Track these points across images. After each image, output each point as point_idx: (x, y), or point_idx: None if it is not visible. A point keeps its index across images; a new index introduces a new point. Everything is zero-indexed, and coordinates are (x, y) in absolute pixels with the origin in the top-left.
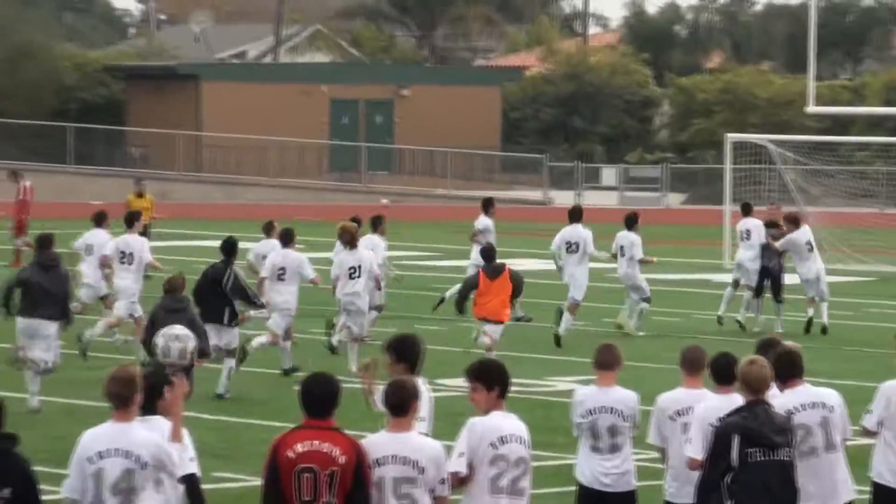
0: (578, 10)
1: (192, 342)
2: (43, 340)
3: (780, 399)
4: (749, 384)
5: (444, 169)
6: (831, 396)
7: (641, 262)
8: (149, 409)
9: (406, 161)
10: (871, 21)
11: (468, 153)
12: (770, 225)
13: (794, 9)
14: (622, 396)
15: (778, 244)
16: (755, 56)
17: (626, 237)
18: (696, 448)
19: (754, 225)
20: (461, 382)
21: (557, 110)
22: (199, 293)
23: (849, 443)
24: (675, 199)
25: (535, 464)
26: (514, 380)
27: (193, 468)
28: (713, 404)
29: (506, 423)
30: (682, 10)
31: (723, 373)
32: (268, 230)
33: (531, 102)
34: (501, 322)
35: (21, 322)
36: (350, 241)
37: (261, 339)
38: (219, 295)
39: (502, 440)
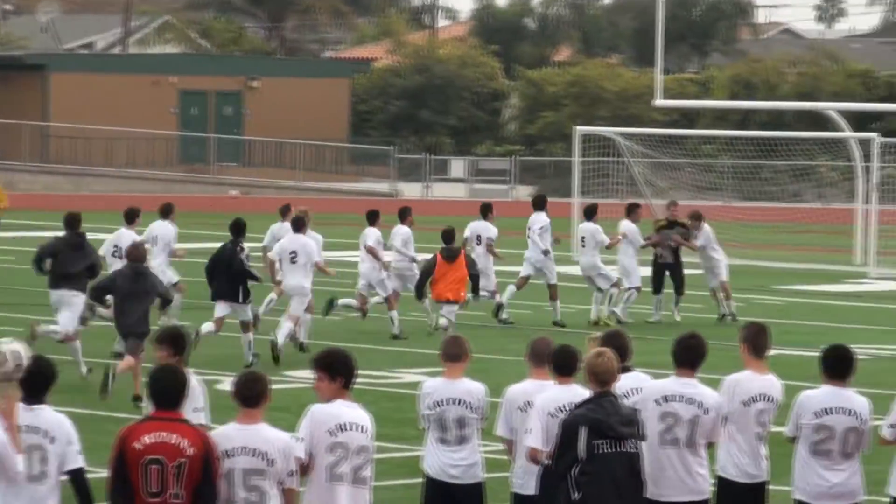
0: (427, 3)
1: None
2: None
3: (663, 382)
4: (596, 376)
5: (293, 160)
6: (710, 398)
7: (609, 246)
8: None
9: (255, 152)
10: (717, 15)
11: (317, 145)
12: (674, 224)
13: (641, 3)
14: (470, 388)
15: (698, 242)
16: (604, 49)
17: (585, 228)
18: (535, 438)
19: (630, 227)
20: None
21: (406, 102)
22: (212, 273)
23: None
24: (523, 192)
25: (383, 456)
26: (362, 371)
27: (80, 462)
28: (552, 394)
29: (346, 411)
30: (531, 4)
31: (562, 364)
32: (284, 213)
33: (380, 94)
34: (458, 302)
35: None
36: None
37: (289, 324)
38: (231, 274)
39: (341, 428)
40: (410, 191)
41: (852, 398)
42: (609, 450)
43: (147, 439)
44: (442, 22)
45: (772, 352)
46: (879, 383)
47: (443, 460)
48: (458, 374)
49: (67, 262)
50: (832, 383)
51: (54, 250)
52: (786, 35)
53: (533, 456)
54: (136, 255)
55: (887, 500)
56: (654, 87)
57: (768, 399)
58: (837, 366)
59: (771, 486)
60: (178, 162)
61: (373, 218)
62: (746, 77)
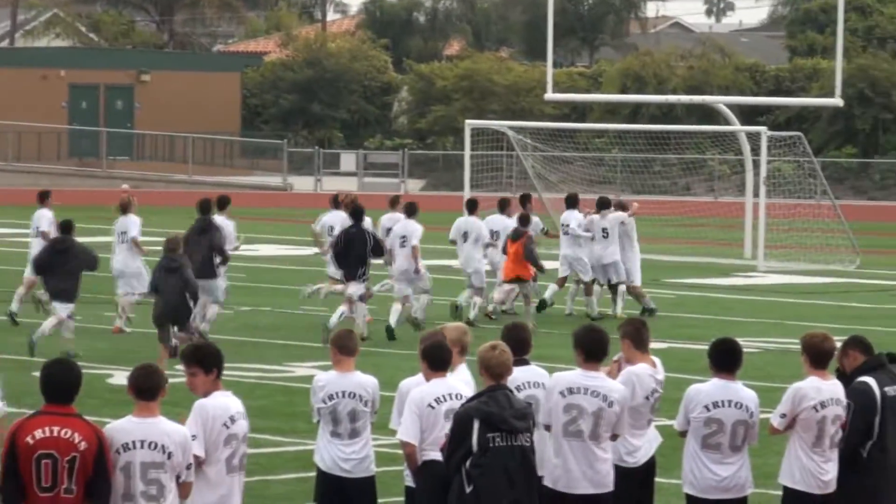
0: None
1: None
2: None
3: (568, 374)
4: (490, 369)
5: (184, 154)
6: (615, 391)
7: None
8: None
9: (147, 146)
10: (607, 9)
11: (209, 138)
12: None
13: None
14: (362, 381)
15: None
16: (494, 43)
17: (570, 216)
18: (406, 430)
19: (574, 217)
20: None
21: (297, 96)
22: (341, 255)
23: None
24: (414, 185)
25: (276, 450)
26: (255, 365)
27: None
28: (428, 389)
29: (231, 402)
30: None
31: (434, 359)
32: (393, 203)
33: (271, 88)
34: (527, 279)
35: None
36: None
37: (397, 307)
38: (357, 255)
39: (232, 419)
40: (302, 184)
41: (741, 391)
42: (502, 443)
43: (39, 434)
44: (332, 16)
45: (663, 345)
46: (767, 376)
47: (335, 454)
48: (350, 367)
49: None
50: (721, 376)
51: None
52: (675, 29)
53: (405, 451)
54: (173, 245)
55: (775, 493)
56: (546, 81)
57: (660, 385)
58: (726, 359)
59: (661, 480)
60: (69, 156)
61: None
62: (636, 71)
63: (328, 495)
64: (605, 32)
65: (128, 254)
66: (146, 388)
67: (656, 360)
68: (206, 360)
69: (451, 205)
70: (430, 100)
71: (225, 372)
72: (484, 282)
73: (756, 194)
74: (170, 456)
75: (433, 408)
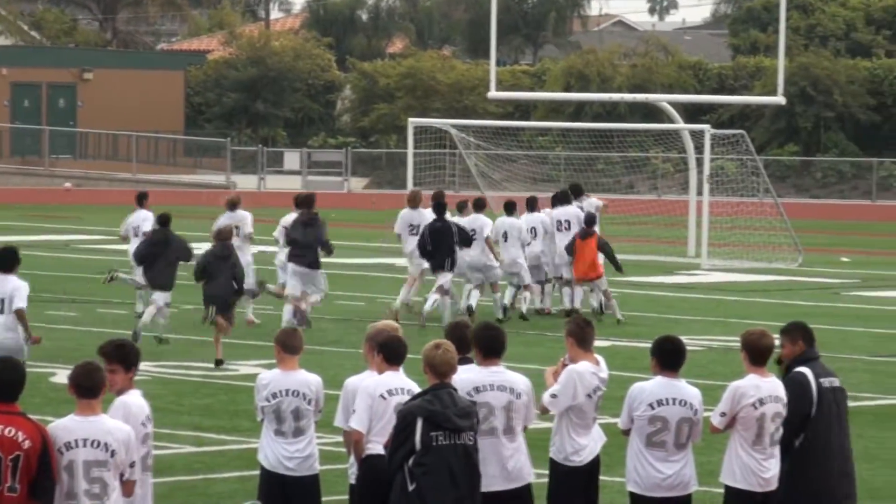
0: None
1: None
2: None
3: (471, 374)
4: (434, 368)
5: (128, 153)
6: (520, 382)
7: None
8: None
9: (90, 145)
10: (550, 7)
11: (152, 137)
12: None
13: None
14: (306, 379)
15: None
16: (437, 41)
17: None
18: (359, 419)
19: (539, 219)
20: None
21: (241, 94)
22: (428, 248)
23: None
24: (357, 184)
25: (220, 448)
26: (199, 364)
27: None
28: (382, 379)
29: (144, 401)
30: None
31: (391, 353)
32: (461, 208)
33: (214, 86)
34: (597, 279)
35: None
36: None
37: (476, 293)
38: (446, 246)
39: (148, 418)
40: (245, 183)
41: (685, 389)
42: (445, 442)
43: None
44: (275, 14)
45: (607, 343)
46: (711, 374)
47: (279, 452)
48: (294, 365)
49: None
50: (664, 374)
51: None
52: (618, 27)
53: (354, 437)
54: (225, 235)
55: (718, 490)
56: (489, 79)
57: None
58: (669, 357)
59: (605, 478)
60: (11, 154)
61: (510, 208)
62: (580, 69)
63: (271, 494)
64: (549, 30)
65: (243, 248)
66: (88, 387)
67: (599, 358)
68: (127, 359)
69: (394, 202)
70: (374, 98)
71: (170, 371)
72: (530, 278)
73: (699, 192)
74: (113, 454)
75: (384, 398)
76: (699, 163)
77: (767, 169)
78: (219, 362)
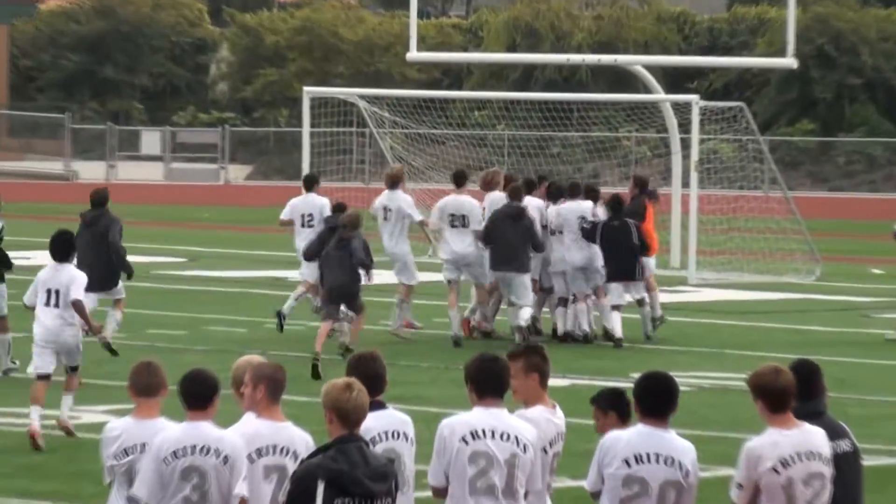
0: None
1: None
2: None
3: (470, 415)
4: (345, 415)
5: None
6: (526, 432)
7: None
8: None
9: None
10: None
11: None
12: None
13: None
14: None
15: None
16: None
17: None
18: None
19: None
20: None
21: (83, 56)
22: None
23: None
24: (238, 173)
25: None
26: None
27: None
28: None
29: None
30: None
31: (275, 389)
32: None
33: (49, 46)
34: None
35: None
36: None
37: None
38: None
39: None
40: (90, 171)
41: (673, 442)
42: None
43: None
44: None
45: (565, 382)
46: (702, 422)
47: None
48: (154, 412)
49: None
50: (647, 422)
51: None
52: None
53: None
54: (354, 222)
55: None
56: (408, 37)
57: (563, 437)
58: (655, 399)
59: None
60: None
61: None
62: (528, 22)
63: None
64: None
65: (400, 237)
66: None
67: (555, 404)
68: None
69: (286, 198)
70: (259, 61)
71: None
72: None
73: (685, 184)
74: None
75: (253, 460)
76: (685, 145)
77: (774, 153)
78: (348, 350)
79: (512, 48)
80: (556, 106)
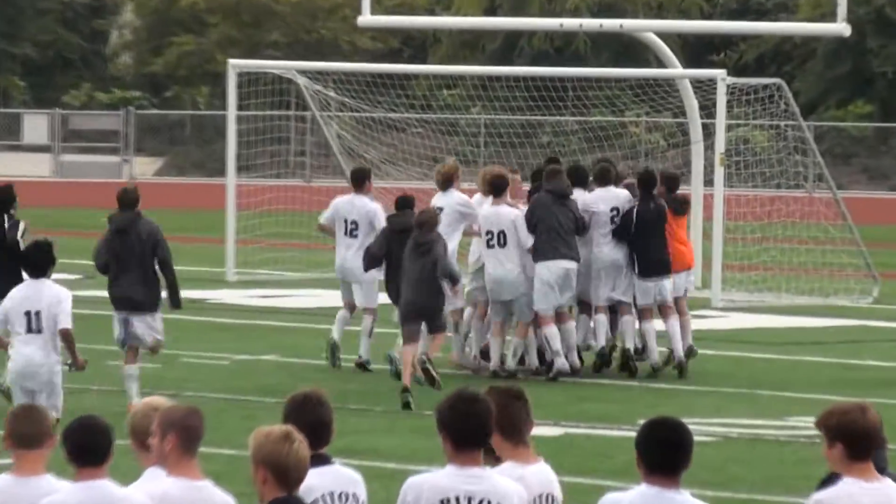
0: None
1: None
2: None
3: (439, 477)
4: (284, 473)
5: None
6: (512, 496)
7: None
8: None
9: None
10: None
11: None
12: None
13: None
14: (52, 491)
15: None
16: None
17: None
18: None
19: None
20: None
21: None
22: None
23: None
24: (145, 167)
25: None
26: None
27: None
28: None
29: None
30: None
31: (188, 439)
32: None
33: None
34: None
35: None
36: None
37: None
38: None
39: None
40: None
41: None
42: None
43: None
44: None
45: (557, 431)
46: (729, 481)
47: None
48: (38, 468)
49: None
50: (654, 481)
51: None
52: None
53: None
54: (431, 221)
55: None
56: None
57: (551, 500)
58: (664, 452)
59: None
60: None
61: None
62: None
63: None
64: None
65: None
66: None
67: (541, 461)
68: None
69: (206, 199)
70: (171, 27)
71: None
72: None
73: (709, 182)
74: None
75: None
76: (708, 132)
77: (821, 143)
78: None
79: (491, 11)
80: (546, 84)
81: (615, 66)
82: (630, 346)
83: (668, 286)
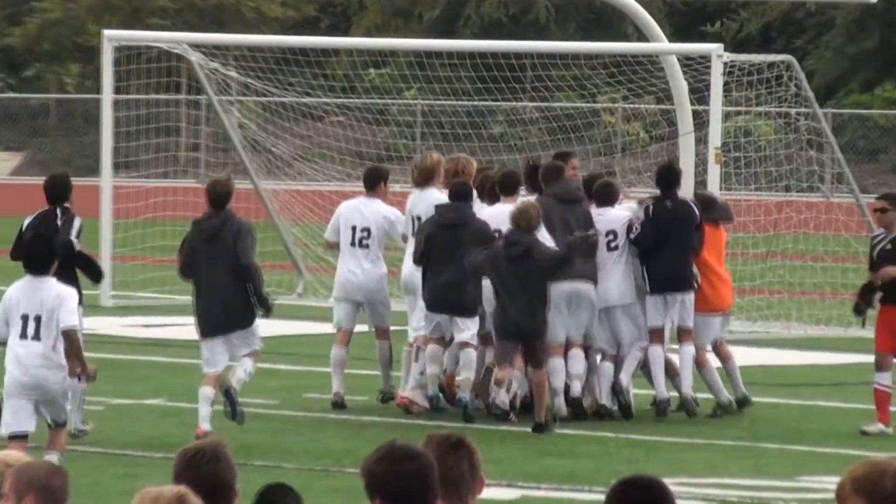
0: None
1: None
2: None
3: None
4: None
5: None
6: None
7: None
8: None
9: None
10: None
11: None
12: None
13: None
14: None
15: None
16: None
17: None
18: None
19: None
20: None
21: None
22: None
23: None
24: (0, 164)
25: None
26: None
27: None
28: None
29: None
30: None
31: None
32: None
33: None
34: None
35: None
36: None
37: None
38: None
39: None
40: None
41: None
42: None
43: None
44: None
45: (511, 493)
46: None
47: None
48: None
49: None
50: None
51: None
52: None
53: None
54: (533, 219)
55: None
56: None
57: None
58: None
59: None
60: None
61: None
62: None
63: None
64: None
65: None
66: None
67: None
68: None
69: (75, 204)
70: None
71: None
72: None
73: (701, 182)
74: None
75: None
76: (700, 122)
77: (841, 135)
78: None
79: None
80: (498, 62)
81: (584, 39)
82: (626, 382)
83: (689, 304)
